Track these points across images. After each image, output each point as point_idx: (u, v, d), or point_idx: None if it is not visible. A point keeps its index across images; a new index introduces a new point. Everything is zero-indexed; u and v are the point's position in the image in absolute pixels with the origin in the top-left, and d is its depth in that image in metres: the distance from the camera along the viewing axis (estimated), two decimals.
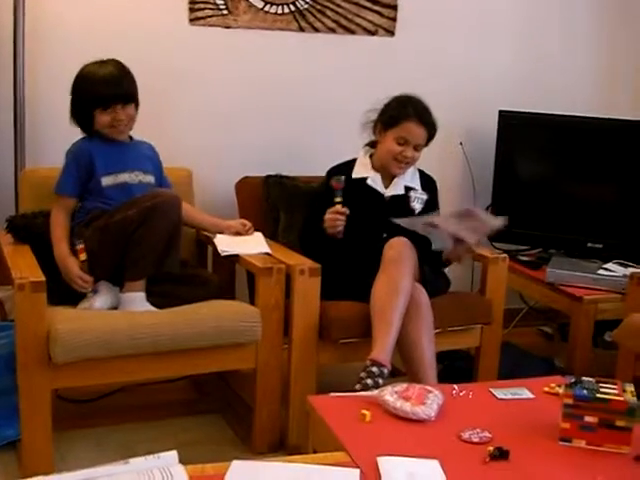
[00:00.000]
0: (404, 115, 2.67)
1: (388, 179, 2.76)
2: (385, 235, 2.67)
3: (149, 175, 2.64)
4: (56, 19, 2.88)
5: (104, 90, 2.49)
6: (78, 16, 2.91)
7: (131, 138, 2.66)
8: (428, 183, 2.85)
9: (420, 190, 2.79)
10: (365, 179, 2.74)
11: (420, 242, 2.60)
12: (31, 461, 2.24)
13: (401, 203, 2.71)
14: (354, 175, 2.76)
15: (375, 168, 2.76)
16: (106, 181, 2.54)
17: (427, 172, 2.87)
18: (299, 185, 3.02)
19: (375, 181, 2.75)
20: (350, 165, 2.79)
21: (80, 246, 2.42)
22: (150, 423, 2.66)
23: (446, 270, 2.84)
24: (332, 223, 2.59)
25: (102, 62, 2.53)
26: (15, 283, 2.15)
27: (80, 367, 2.21)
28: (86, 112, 2.52)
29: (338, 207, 2.60)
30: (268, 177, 3.03)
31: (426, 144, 2.75)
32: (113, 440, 2.53)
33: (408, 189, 2.77)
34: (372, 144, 2.82)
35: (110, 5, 2.95)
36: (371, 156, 2.80)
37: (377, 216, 2.68)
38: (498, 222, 2.59)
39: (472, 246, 2.63)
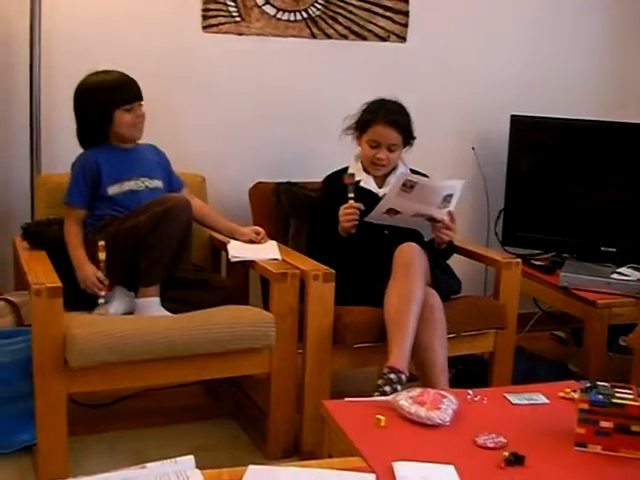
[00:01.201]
0: (373, 118, 2.74)
1: (380, 180, 2.82)
2: (386, 232, 2.73)
3: (156, 180, 2.65)
4: (71, 28, 2.90)
5: (125, 89, 2.54)
6: (92, 25, 2.93)
7: (135, 143, 2.67)
8: None
9: None
10: (358, 182, 2.77)
11: (424, 241, 2.64)
12: (47, 465, 2.26)
13: None
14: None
15: (367, 171, 2.81)
16: (112, 190, 2.56)
17: (420, 170, 2.87)
18: (308, 193, 3.03)
19: (368, 182, 2.79)
20: (345, 172, 2.82)
21: (101, 243, 2.44)
22: (164, 428, 2.67)
23: (457, 272, 2.85)
24: (347, 217, 2.64)
25: (104, 71, 2.57)
26: (32, 288, 2.16)
27: (95, 372, 2.22)
28: (103, 118, 2.54)
29: (351, 202, 2.65)
30: (278, 184, 3.05)
31: (407, 144, 2.79)
32: (127, 445, 2.54)
33: None
34: None
35: (124, 13, 2.97)
36: (362, 161, 2.84)
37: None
38: (451, 184, 2.62)
39: (445, 221, 2.66)
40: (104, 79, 2.55)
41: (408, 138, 2.78)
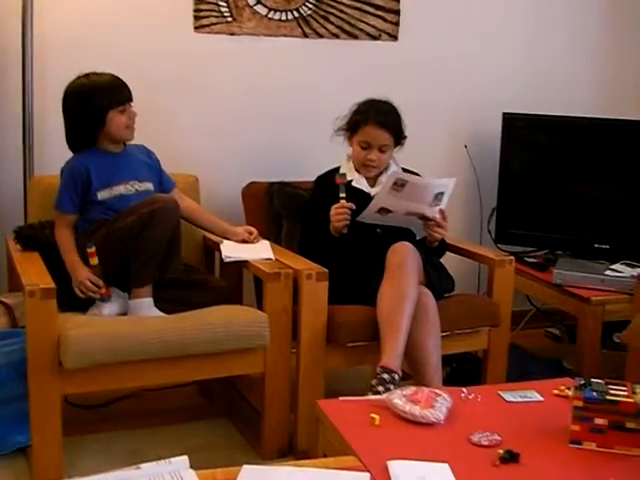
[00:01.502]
0: (362, 120, 2.74)
1: (372, 179, 2.83)
2: (379, 230, 2.73)
3: (146, 182, 2.64)
4: (63, 30, 2.90)
5: (117, 90, 2.53)
6: (84, 27, 2.92)
7: (124, 145, 2.65)
8: None
9: None
10: (350, 182, 2.77)
11: (416, 240, 2.65)
12: (41, 467, 2.25)
13: None
14: None
15: (358, 171, 2.81)
16: (102, 195, 2.55)
17: (412, 169, 2.88)
18: (300, 193, 3.03)
19: (360, 182, 2.80)
20: (336, 172, 2.83)
21: (91, 249, 2.43)
22: (158, 428, 2.66)
23: (450, 271, 2.85)
24: (338, 217, 2.63)
25: (94, 73, 2.55)
26: (25, 290, 2.16)
27: (90, 373, 2.22)
28: (96, 120, 2.52)
29: (343, 202, 2.65)
30: (271, 185, 3.04)
31: (398, 144, 2.80)
32: (122, 445, 2.54)
33: None
34: None
35: (116, 15, 2.97)
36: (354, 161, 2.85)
37: None
38: (442, 182, 2.62)
39: (437, 219, 2.66)
40: (95, 81, 2.54)
41: (399, 138, 2.79)
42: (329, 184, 2.78)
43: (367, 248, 2.70)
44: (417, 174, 2.82)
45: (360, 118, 2.75)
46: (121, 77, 2.57)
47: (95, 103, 2.51)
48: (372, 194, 2.76)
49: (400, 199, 2.58)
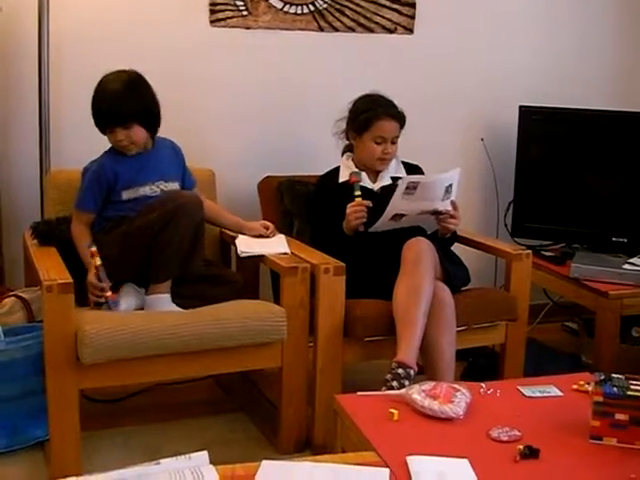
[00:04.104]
0: (374, 116, 2.74)
1: (374, 175, 2.83)
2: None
3: (171, 182, 2.61)
4: (79, 26, 2.90)
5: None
6: (100, 22, 2.93)
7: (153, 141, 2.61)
8: (414, 170, 2.89)
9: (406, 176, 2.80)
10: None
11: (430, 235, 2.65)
12: (59, 461, 2.26)
13: (391, 192, 2.70)
14: (341, 180, 2.82)
15: (359, 168, 2.80)
16: (127, 195, 2.53)
17: (411, 161, 2.89)
18: (310, 189, 3.00)
19: (363, 179, 2.78)
20: (337, 171, 2.83)
21: (93, 249, 2.39)
22: (175, 423, 2.67)
23: (467, 265, 2.84)
24: (355, 215, 2.62)
25: (107, 79, 2.47)
26: (43, 285, 2.16)
27: (107, 367, 2.22)
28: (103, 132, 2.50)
29: (359, 200, 2.64)
30: (280, 183, 3.02)
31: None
32: (139, 440, 2.54)
33: (395, 179, 2.80)
34: (349, 148, 2.88)
35: (131, 10, 2.97)
36: (353, 159, 2.84)
37: (373, 209, 2.67)
38: (449, 174, 2.59)
39: (450, 212, 2.65)
40: (99, 93, 2.45)
41: (402, 128, 2.80)
42: (329, 183, 2.79)
43: (378, 245, 2.67)
44: (417, 166, 2.84)
45: (370, 115, 2.74)
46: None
47: (95, 118, 2.47)
48: (375, 189, 2.77)
49: (413, 201, 2.57)
